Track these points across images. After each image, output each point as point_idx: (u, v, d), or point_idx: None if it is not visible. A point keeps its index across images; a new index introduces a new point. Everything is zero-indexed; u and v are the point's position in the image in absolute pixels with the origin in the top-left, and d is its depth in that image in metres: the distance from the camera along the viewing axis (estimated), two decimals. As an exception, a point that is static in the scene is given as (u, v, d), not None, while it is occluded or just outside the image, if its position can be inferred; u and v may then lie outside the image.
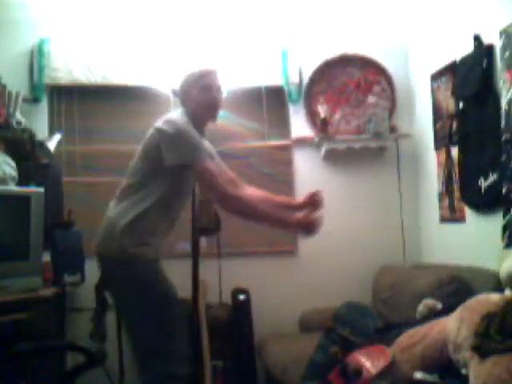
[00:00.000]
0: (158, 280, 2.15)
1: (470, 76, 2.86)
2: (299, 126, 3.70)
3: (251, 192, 2.42)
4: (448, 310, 2.20)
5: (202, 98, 2.29)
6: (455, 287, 2.64)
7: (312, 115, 3.69)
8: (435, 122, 3.40)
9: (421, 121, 3.63)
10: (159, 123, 2.20)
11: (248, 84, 3.61)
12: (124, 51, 3.51)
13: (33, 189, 2.74)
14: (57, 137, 3.32)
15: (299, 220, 2.23)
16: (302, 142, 3.68)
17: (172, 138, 2.13)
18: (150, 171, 2.17)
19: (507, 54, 2.59)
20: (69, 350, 2.97)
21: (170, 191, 2.19)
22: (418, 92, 3.66)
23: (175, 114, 2.26)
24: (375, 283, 3.50)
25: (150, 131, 2.22)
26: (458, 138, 3.08)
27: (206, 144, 2.37)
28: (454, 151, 3.15)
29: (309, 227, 2.19)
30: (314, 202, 2.35)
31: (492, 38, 2.72)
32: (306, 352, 2.55)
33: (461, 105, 3.04)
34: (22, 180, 2.86)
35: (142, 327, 2.12)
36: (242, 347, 3.31)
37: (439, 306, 2.49)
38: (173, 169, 2.13)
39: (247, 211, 2.17)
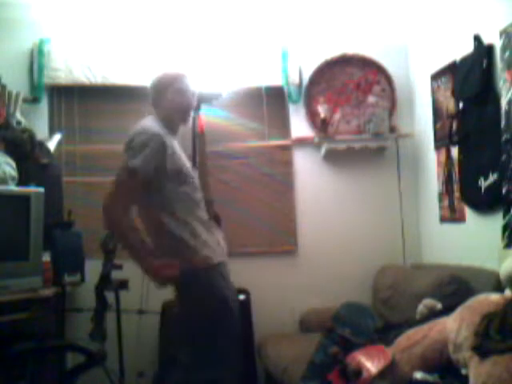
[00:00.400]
0: (221, 284, 2.19)
1: (470, 76, 2.86)
2: (299, 125, 3.70)
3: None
4: (448, 310, 2.20)
5: (176, 101, 2.28)
6: (455, 287, 2.64)
7: (312, 115, 3.68)
8: (435, 122, 3.40)
9: (421, 121, 3.63)
10: (129, 135, 2.19)
11: (248, 84, 3.61)
12: (124, 51, 3.51)
13: (33, 189, 2.74)
14: (57, 137, 3.32)
15: (151, 264, 2.14)
16: (302, 142, 3.68)
17: (130, 146, 2.14)
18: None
19: (507, 53, 2.58)
20: (69, 350, 2.97)
21: (185, 194, 2.20)
22: (418, 92, 3.66)
23: (145, 121, 2.24)
24: (375, 283, 3.50)
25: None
26: (458, 138, 3.08)
27: (178, 148, 2.30)
28: (454, 151, 3.15)
29: (154, 273, 2.15)
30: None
31: (492, 38, 2.72)
32: (306, 352, 2.55)
33: (461, 105, 3.04)
34: (22, 180, 2.86)
35: (206, 334, 2.13)
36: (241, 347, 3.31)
37: (439, 306, 2.49)
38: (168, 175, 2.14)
39: (111, 223, 2.15)
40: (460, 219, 3.13)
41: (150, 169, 2.10)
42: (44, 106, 3.49)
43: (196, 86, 2.38)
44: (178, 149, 2.28)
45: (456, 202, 3.16)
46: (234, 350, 2.18)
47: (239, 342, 2.25)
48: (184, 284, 2.16)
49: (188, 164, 2.32)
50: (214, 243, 2.24)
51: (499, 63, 2.66)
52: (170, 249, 2.17)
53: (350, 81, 3.71)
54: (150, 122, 2.22)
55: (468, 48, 2.90)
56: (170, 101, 2.28)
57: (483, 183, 2.81)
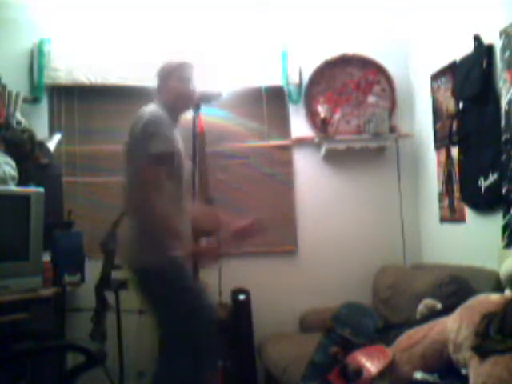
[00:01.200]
0: (189, 284, 2.20)
1: (470, 76, 2.86)
2: (299, 126, 3.70)
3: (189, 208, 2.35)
4: (448, 310, 2.20)
5: (178, 88, 2.31)
6: (455, 287, 2.64)
7: (312, 115, 3.69)
8: (435, 122, 3.40)
9: (421, 121, 3.63)
10: (134, 119, 2.22)
11: (248, 84, 3.61)
12: (124, 51, 3.51)
13: (33, 189, 2.74)
14: (57, 137, 3.33)
15: (197, 250, 2.26)
16: (301, 142, 3.68)
17: (144, 131, 2.14)
18: None
19: (507, 53, 2.59)
20: (69, 350, 2.97)
21: (172, 184, 2.19)
22: (418, 92, 3.66)
23: (149, 107, 2.26)
24: (375, 283, 3.50)
25: (129, 131, 2.23)
26: (457, 138, 3.08)
27: (177, 137, 2.33)
28: (454, 151, 3.15)
29: (206, 257, 2.24)
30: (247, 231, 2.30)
31: (492, 38, 2.72)
32: (306, 352, 2.55)
33: (461, 105, 3.04)
34: (22, 180, 2.86)
35: (178, 333, 2.14)
36: (242, 347, 3.31)
37: (439, 306, 2.49)
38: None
39: (155, 218, 2.13)
40: (460, 219, 3.13)
41: (171, 148, 2.15)
42: (44, 106, 3.49)
43: (199, 75, 2.40)
44: (178, 138, 2.30)
45: (456, 202, 3.16)
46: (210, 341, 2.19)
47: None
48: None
49: (182, 154, 2.32)
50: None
51: (499, 63, 2.66)
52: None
53: (350, 81, 3.71)
54: (154, 108, 2.24)
55: (468, 48, 2.90)
56: (173, 88, 2.31)
57: (483, 183, 2.81)
